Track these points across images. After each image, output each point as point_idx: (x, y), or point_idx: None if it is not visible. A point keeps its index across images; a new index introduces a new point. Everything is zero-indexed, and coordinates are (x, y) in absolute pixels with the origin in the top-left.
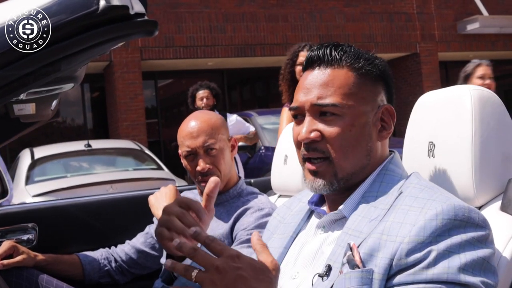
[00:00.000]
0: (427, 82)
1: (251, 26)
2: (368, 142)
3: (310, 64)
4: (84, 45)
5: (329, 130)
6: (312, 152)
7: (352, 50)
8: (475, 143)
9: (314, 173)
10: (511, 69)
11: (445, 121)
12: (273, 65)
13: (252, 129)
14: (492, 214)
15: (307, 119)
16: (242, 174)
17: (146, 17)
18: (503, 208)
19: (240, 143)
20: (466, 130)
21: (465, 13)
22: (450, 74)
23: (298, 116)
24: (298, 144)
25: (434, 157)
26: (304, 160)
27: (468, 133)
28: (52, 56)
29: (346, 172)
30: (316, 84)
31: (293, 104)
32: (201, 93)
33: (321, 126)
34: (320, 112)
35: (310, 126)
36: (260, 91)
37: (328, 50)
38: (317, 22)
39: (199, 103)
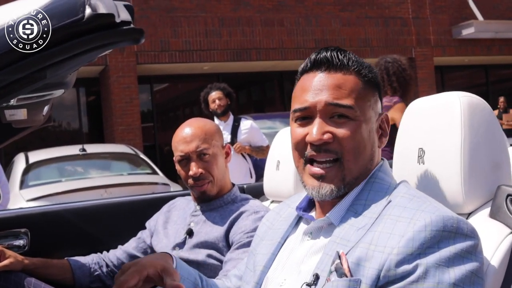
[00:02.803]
0: (422, 86)
1: (246, 31)
2: (373, 147)
3: (316, 66)
4: (70, 52)
5: (341, 131)
6: (324, 154)
7: (354, 57)
8: (464, 149)
9: (320, 178)
10: (506, 74)
11: (435, 127)
12: (269, 70)
13: (266, 143)
14: (481, 221)
15: (318, 120)
16: (254, 176)
17: (132, 25)
18: (492, 215)
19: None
20: (455, 137)
21: (460, 18)
22: (446, 79)
23: (303, 118)
24: (301, 146)
25: (424, 163)
26: (306, 163)
27: (457, 139)
28: (38, 63)
29: (353, 176)
30: (327, 85)
31: (301, 105)
32: (213, 94)
33: (332, 128)
34: (332, 114)
35: (322, 128)
36: (256, 95)
37: (335, 53)
38: (313, 27)
39: (212, 105)
